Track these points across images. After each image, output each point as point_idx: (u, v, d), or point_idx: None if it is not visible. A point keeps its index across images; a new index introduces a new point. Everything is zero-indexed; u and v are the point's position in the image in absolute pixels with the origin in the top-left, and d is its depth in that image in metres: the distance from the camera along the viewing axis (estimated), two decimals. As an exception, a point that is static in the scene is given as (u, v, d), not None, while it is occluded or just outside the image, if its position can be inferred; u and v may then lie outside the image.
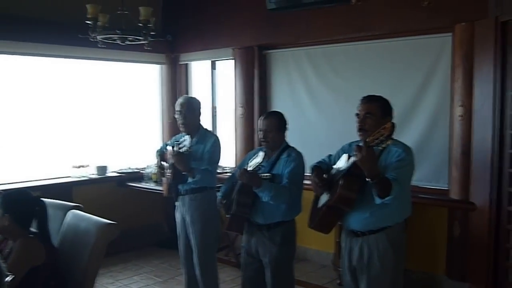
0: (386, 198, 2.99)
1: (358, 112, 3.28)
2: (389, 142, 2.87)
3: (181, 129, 4.55)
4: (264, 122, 3.81)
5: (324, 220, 3.29)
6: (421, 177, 5.18)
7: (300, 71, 6.23)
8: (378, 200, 3.04)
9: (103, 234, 3.24)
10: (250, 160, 3.73)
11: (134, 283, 5.59)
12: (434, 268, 5.26)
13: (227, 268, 5.99)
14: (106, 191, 6.68)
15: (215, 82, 7.28)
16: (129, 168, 7.05)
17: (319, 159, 3.69)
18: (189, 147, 4.20)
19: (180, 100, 4.55)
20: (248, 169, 3.64)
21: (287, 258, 3.83)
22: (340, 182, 3.10)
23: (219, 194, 4.04)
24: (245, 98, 6.55)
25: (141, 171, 6.95)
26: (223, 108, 7.15)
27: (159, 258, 6.41)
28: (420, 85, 5.28)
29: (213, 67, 7.26)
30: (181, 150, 4.23)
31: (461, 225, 4.95)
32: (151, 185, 6.60)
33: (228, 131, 6.78)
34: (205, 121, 4.83)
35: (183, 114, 4.45)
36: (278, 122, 3.82)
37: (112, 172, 6.89)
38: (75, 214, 3.53)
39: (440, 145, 5.15)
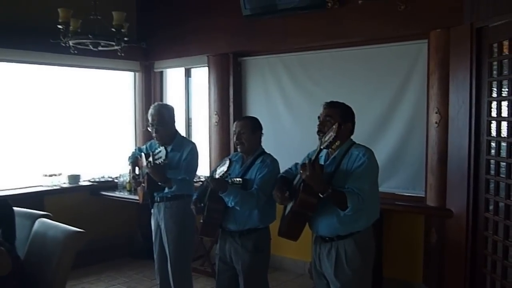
0: (346, 211, 3.08)
1: (319, 115, 3.38)
2: (338, 143, 3.04)
3: (155, 140, 4.46)
4: (238, 124, 3.83)
5: (290, 226, 3.31)
6: (397, 184, 5.20)
7: (276, 79, 6.19)
8: (341, 213, 3.13)
9: (71, 242, 3.14)
10: (218, 168, 3.69)
11: (107, 294, 5.47)
12: (411, 276, 5.23)
13: (202, 278, 5.88)
14: (79, 201, 6.56)
15: (190, 90, 7.22)
16: (103, 177, 6.92)
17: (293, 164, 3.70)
18: (164, 159, 4.11)
19: (151, 111, 4.44)
20: (216, 176, 3.60)
21: (260, 266, 3.79)
22: (301, 187, 3.15)
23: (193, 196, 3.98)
24: (220, 106, 6.49)
25: (115, 180, 6.83)
26: (198, 116, 7.08)
27: (133, 268, 6.29)
28: (396, 92, 5.27)
29: (188, 75, 7.20)
30: (156, 162, 4.14)
31: (437, 232, 4.93)
32: (125, 194, 6.50)
33: (203, 140, 6.69)
34: (180, 131, 4.74)
35: (155, 128, 4.37)
36: (252, 124, 3.82)
37: (85, 181, 6.76)
38: (43, 223, 3.43)
39: (417, 152, 5.14)
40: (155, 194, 4.42)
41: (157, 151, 4.24)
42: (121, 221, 6.97)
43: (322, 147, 3.09)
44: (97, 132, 6.98)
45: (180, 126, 6.84)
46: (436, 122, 4.84)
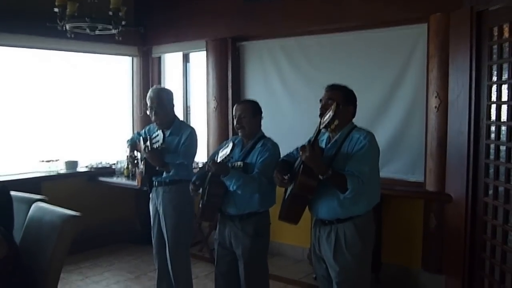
0: (346, 193, 3.06)
1: (321, 98, 3.34)
2: (336, 122, 2.94)
3: (154, 123, 4.42)
4: (238, 108, 3.78)
5: (290, 209, 3.29)
6: (396, 170, 5.18)
7: (275, 63, 6.14)
8: (341, 196, 3.10)
9: (68, 226, 3.09)
10: (221, 151, 3.64)
11: (104, 280, 5.45)
12: (410, 261, 5.22)
13: (200, 264, 5.88)
14: (76, 187, 6.53)
15: (188, 76, 7.17)
16: (100, 163, 6.88)
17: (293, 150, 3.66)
18: (162, 143, 4.07)
19: (150, 94, 4.39)
20: (218, 160, 3.55)
21: (260, 250, 3.76)
22: (300, 170, 3.11)
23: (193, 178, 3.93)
24: (218, 91, 6.45)
25: (113, 166, 6.80)
26: (196, 102, 7.05)
27: (131, 254, 6.28)
28: (396, 76, 5.23)
29: (187, 60, 7.15)
30: (154, 146, 4.10)
31: (437, 217, 4.93)
32: (122, 180, 6.47)
33: (202, 125, 6.64)
34: (178, 116, 4.69)
35: (154, 111, 4.32)
36: (252, 107, 3.78)
37: (83, 167, 6.73)
38: (40, 207, 3.38)
39: (416, 137, 5.12)
40: (153, 178, 4.38)
41: (154, 135, 4.20)
42: (119, 207, 6.95)
43: (321, 128, 3.05)
44: (94, 118, 6.94)
45: (178, 112, 6.84)
46: (435, 107, 4.82)
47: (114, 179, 6.58)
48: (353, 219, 3.22)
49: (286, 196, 3.37)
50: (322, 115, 3.22)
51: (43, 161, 6.29)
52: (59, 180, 6.35)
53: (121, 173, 6.63)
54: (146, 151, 4.13)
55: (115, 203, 6.90)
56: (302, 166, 3.11)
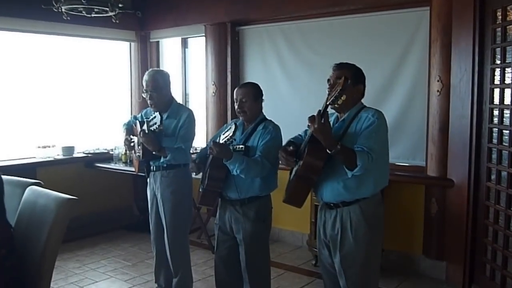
0: (355, 170, 2.91)
1: (329, 78, 3.19)
2: (344, 98, 2.82)
3: (150, 107, 4.33)
4: (239, 91, 3.67)
5: (295, 191, 3.16)
6: (397, 154, 5.10)
7: (275, 48, 6.07)
8: (349, 173, 2.96)
9: (63, 210, 2.99)
10: (223, 133, 3.56)
11: (101, 267, 5.37)
12: (411, 247, 5.19)
13: (199, 250, 5.82)
14: (73, 173, 6.49)
15: (187, 61, 7.10)
16: (98, 149, 6.83)
17: (293, 135, 3.52)
18: (159, 125, 3.97)
19: (145, 77, 4.28)
20: (220, 142, 3.47)
21: (261, 235, 3.68)
22: (306, 150, 3.01)
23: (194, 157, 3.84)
24: (217, 76, 6.38)
25: (110, 152, 6.74)
26: (195, 87, 6.98)
27: (129, 241, 6.20)
28: (397, 60, 5.17)
29: (185, 45, 7.09)
30: (151, 129, 4.01)
31: (438, 202, 4.89)
32: (120, 166, 6.39)
33: (201, 111, 6.58)
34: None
35: (149, 94, 4.21)
36: (254, 91, 3.67)
37: (80, 152, 6.67)
38: (34, 191, 3.29)
39: (417, 121, 5.07)
40: (151, 163, 4.30)
41: (151, 117, 4.11)
42: (116, 193, 6.90)
43: (328, 103, 2.90)
44: (92, 103, 6.88)
45: (177, 98, 6.77)
46: (437, 91, 4.76)
47: (112, 165, 6.50)
48: (359, 202, 3.08)
49: (291, 178, 3.26)
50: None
51: (39, 146, 6.23)
52: (55, 166, 6.29)
53: (119, 159, 6.56)
54: (142, 134, 4.04)
55: (112, 190, 6.85)
56: (308, 145, 3.01)
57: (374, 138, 2.99)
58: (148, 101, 4.24)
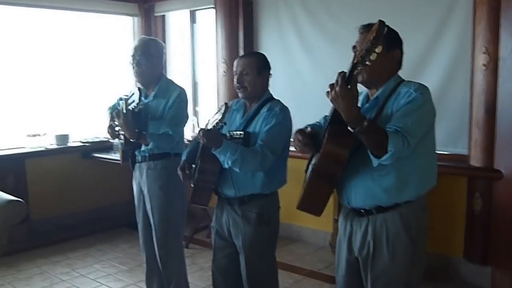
0: (383, 158, 2.19)
1: (355, 44, 2.48)
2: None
3: (135, 79, 3.67)
4: (240, 62, 3.06)
5: (310, 193, 2.41)
6: (435, 141, 4.47)
7: (293, 19, 5.56)
8: (375, 161, 2.23)
9: (6, 215, 2.38)
10: (212, 116, 2.90)
11: (93, 272, 4.85)
12: (450, 250, 4.76)
13: (207, 252, 5.16)
14: (67, 164, 6.09)
15: (195, 38, 6.62)
16: (96, 137, 6.37)
17: (312, 122, 2.84)
18: (138, 103, 3.31)
19: (135, 43, 3.69)
20: (208, 127, 2.85)
21: (265, 241, 3.07)
22: (325, 135, 2.30)
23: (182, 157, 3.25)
24: (228, 53, 5.86)
25: (110, 140, 6.16)
26: (205, 66, 6.48)
27: (128, 241, 5.68)
28: (435, 30, 4.62)
29: (193, 20, 6.60)
30: (129, 108, 3.35)
31: (483, 197, 4.42)
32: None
33: (212, 92, 6.13)
34: (186, 85, 4.14)
35: (137, 60, 3.57)
36: (257, 62, 3.05)
37: (75, 141, 6.23)
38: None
39: (459, 101, 4.54)
40: (136, 152, 3.67)
41: (130, 94, 3.45)
42: (116, 187, 6.40)
43: (356, 61, 2.15)
44: (89, 86, 6.43)
45: (185, 79, 6.17)
46: (483, 65, 4.22)
47: (112, 155, 6.02)
48: (400, 207, 2.38)
49: (306, 176, 2.53)
50: None
51: (29, 135, 5.79)
52: (47, 156, 5.89)
53: (119, 149, 5.97)
54: (116, 116, 3.38)
55: (112, 183, 6.42)
56: (329, 127, 2.30)
57: (415, 119, 2.26)
58: (134, 71, 3.59)
